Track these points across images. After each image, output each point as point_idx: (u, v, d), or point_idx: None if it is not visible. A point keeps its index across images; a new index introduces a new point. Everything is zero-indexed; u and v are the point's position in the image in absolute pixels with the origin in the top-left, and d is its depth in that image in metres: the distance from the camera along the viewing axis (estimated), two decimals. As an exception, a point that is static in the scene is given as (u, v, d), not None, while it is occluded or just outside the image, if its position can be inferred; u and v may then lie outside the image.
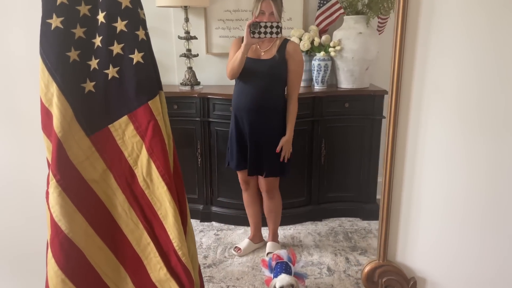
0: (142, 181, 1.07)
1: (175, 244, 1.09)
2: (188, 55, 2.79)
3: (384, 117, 2.75)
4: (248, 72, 2.19)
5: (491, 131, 1.10)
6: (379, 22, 2.74)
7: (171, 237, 1.09)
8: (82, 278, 1.05)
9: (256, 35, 1.99)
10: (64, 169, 1.00)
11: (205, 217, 2.90)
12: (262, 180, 2.38)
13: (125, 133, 1.05)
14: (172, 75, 2.96)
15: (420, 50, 1.05)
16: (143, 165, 1.06)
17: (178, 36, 2.77)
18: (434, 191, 1.17)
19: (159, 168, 1.05)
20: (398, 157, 1.15)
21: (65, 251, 1.01)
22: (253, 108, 2.21)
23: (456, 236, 1.19)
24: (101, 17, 0.98)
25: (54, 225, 1.00)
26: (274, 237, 2.53)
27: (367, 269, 1.19)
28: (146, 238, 1.09)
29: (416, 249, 1.20)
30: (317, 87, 2.78)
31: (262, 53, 2.23)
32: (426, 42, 1.05)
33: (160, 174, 1.06)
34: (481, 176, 1.15)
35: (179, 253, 1.09)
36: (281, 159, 2.26)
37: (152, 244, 1.09)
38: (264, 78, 2.18)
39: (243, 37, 2.06)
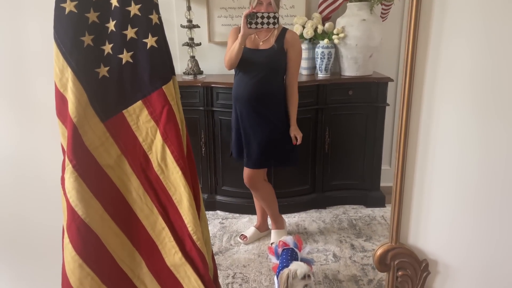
0: (156, 166, 1.07)
1: (189, 229, 1.09)
2: (191, 44, 2.78)
3: (388, 105, 2.77)
4: (247, 62, 2.18)
5: (506, 114, 1.10)
6: (382, 8, 2.74)
7: (185, 221, 1.09)
8: (98, 263, 1.06)
9: (253, 26, 1.97)
10: (80, 155, 1.00)
11: (210, 206, 2.91)
12: (244, 170, 2.38)
13: (140, 118, 1.05)
14: (174, 64, 2.93)
15: (434, 29, 1.05)
16: (158, 150, 1.06)
17: (181, 25, 2.75)
18: (447, 174, 1.17)
19: (173, 153, 1.06)
20: (411, 140, 1.15)
21: (82, 236, 1.02)
22: (252, 98, 2.21)
23: (468, 218, 1.20)
24: (114, 1, 0.98)
25: (70, 210, 1.01)
26: (276, 224, 2.53)
27: (379, 252, 1.20)
28: (161, 223, 1.10)
29: (428, 231, 1.21)
30: (321, 75, 2.78)
31: (261, 43, 2.22)
32: (441, 22, 1.04)
33: (174, 159, 1.06)
34: (494, 159, 1.15)
35: (194, 237, 1.10)
36: (299, 143, 2.29)
37: (167, 229, 1.10)
38: (262, 68, 2.18)
39: (240, 26, 2.05)
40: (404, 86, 1.11)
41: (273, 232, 2.54)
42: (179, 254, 1.11)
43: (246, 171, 2.35)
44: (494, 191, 1.18)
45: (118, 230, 1.09)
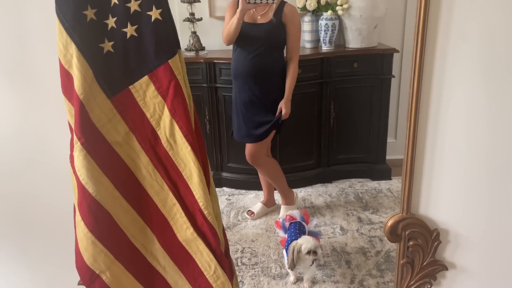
0: (165, 142, 1.06)
1: (200, 204, 1.09)
2: (192, 19, 2.73)
3: (394, 76, 2.73)
4: (245, 37, 2.14)
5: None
6: (387, -23, 2.66)
7: (196, 197, 1.09)
8: (111, 240, 1.07)
9: (252, 1, 1.93)
10: (88, 132, 0.99)
11: (216, 183, 2.92)
12: (246, 149, 2.37)
13: (146, 94, 1.03)
14: (176, 40, 2.90)
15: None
16: (166, 126, 1.04)
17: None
18: (458, 143, 1.16)
19: (182, 129, 1.04)
20: (422, 110, 1.13)
21: (94, 213, 1.02)
22: (252, 74, 2.17)
23: (480, 187, 1.19)
24: (115, -28, 0.95)
25: (81, 188, 1.00)
26: (286, 199, 2.54)
27: (390, 222, 1.20)
28: (172, 199, 1.10)
29: (439, 201, 1.20)
30: (325, 48, 2.73)
31: (259, 17, 2.17)
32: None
33: (183, 135, 1.05)
34: (505, 128, 1.14)
35: (205, 212, 1.10)
36: (282, 118, 2.23)
37: (178, 205, 1.10)
38: (261, 42, 2.13)
39: (238, 0, 2.00)
40: (415, 55, 1.08)
41: (282, 207, 2.54)
42: (191, 229, 1.11)
43: (248, 148, 2.34)
44: (506, 159, 1.17)
45: (129, 207, 1.09)
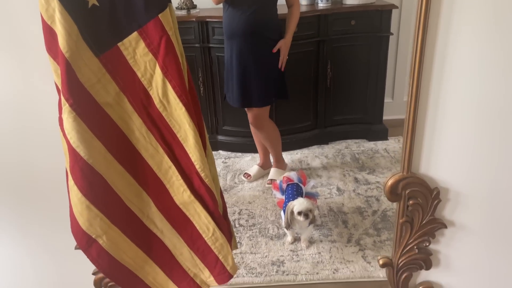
0: (158, 103, 1.01)
1: (197, 166, 1.06)
2: (182, -25, 2.60)
3: (392, 34, 2.65)
4: None
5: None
6: None
7: (192, 159, 1.06)
8: (106, 204, 1.04)
9: None
10: (76, 93, 0.94)
11: (212, 146, 2.81)
12: (249, 111, 2.32)
13: (136, 51, 0.97)
14: (166, -1, 2.77)
15: None
16: (158, 86, 0.99)
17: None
18: (461, 102, 1.12)
19: (175, 89, 0.99)
20: (425, 66, 1.08)
21: (87, 177, 0.98)
22: (248, 33, 2.08)
23: (481, 145, 1.17)
24: None
25: (72, 152, 0.97)
26: (278, 163, 2.52)
27: (390, 182, 1.19)
28: (167, 161, 1.06)
29: (439, 160, 1.18)
30: (321, 5, 2.63)
31: None
32: None
33: (177, 95, 1.00)
34: (509, 87, 1.10)
35: (202, 175, 1.07)
36: (279, 65, 2.17)
37: (173, 168, 1.07)
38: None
39: None
40: (419, 10, 1.03)
41: (273, 169, 2.53)
42: (188, 192, 1.09)
43: (252, 112, 2.28)
44: (509, 118, 1.14)
45: (123, 170, 1.06)
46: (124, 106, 1.02)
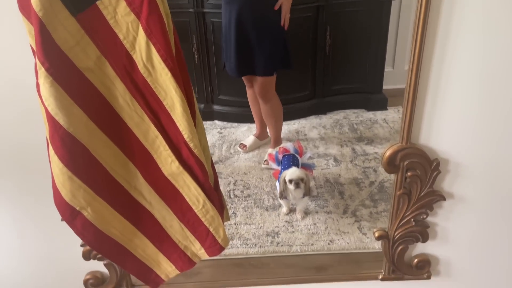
0: (142, 68, 0.94)
1: (185, 136, 1.00)
2: None
3: (395, -1, 2.54)
4: None
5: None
6: None
7: (180, 128, 1.00)
8: (89, 175, 0.99)
9: None
10: (53, 56, 0.87)
11: (207, 116, 2.82)
12: (254, 80, 2.23)
13: (117, 11, 0.89)
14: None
15: None
16: (142, 49, 0.92)
17: None
18: (465, 71, 1.06)
19: (160, 52, 0.92)
20: (429, 30, 1.01)
21: (68, 147, 0.93)
22: None
23: (486, 116, 1.12)
24: None
25: (51, 120, 0.91)
26: (276, 143, 2.46)
27: (388, 153, 1.14)
28: (154, 131, 1.01)
29: (441, 130, 1.13)
30: (321, -33, 2.51)
31: None
32: None
33: (162, 59, 0.93)
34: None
35: (191, 145, 1.02)
36: (282, 23, 2.08)
37: (160, 137, 1.01)
38: None
39: None
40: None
41: (270, 150, 2.46)
42: (176, 163, 1.03)
43: (256, 82, 2.21)
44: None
45: (107, 139, 1.00)
46: (106, 71, 0.95)
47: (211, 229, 1.14)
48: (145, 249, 1.17)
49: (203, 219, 1.12)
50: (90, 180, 0.99)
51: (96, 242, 1.07)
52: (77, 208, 1.00)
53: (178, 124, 1.00)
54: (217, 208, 1.14)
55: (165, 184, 1.07)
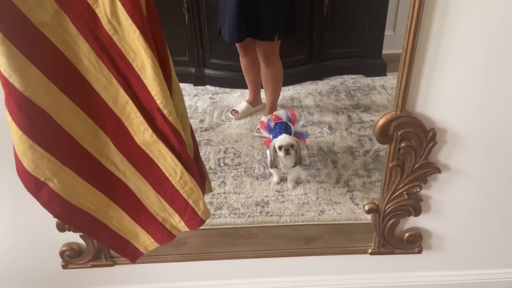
0: (107, 24, 0.84)
1: (158, 102, 0.91)
2: None
3: (398, -45, 2.37)
4: None
5: None
6: None
7: (152, 93, 0.91)
8: (53, 143, 0.91)
9: None
10: (2, 10, 0.77)
11: (199, 81, 2.71)
12: (259, 44, 2.12)
13: (74, -45, 0.78)
14: None
15: None
16: (105, 3, 0.82)
17: None
18: (470, 30, 0.95)
19: (126, 6, 0.82)
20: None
21: (25, 112, 0.84)
22: None
23: (488, 83, 1.02)
24: None
25: (5, 82, 0.81)
26: (271, 110, 2.36)
27: (381, 122, 1.05)
28: (123, 95, 0.92)
29: (439, 98, 1.04)
30: None
31: None
32: None
33: (128, 14, 0.83)
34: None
35: (165, 112, 0.93)
36: None
37: (131, 103, 0.92)
38: None
39: None
40: None
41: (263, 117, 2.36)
42: (149, 131, 0.95)
43: (262, 45, 2.09)
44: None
45: (72, 104, 0.92)
46: (67, 28, 0.85)
47: (190, 202, 1.07)
48: (121, 221, 1.11)
49: (181, 191, 1.05)
50: (54, 149, 0.92)
51: (65, 215, 1.00)
52: (42, 179, 0.92)
53: (150, 89, 0.91)
54: (197, 179, 1.07)
55: (139, 153, 0.99)
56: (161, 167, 1.01)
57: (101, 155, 1.00)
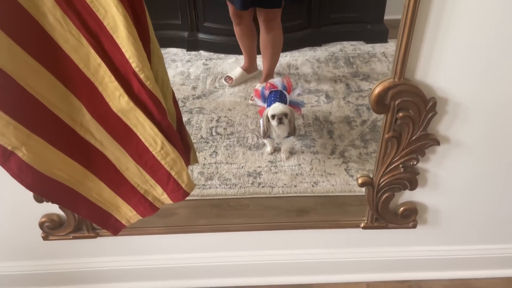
0: (72, -24, 0.75)
1: (133, 65, 0.83)
2: None
3: None
4: None
5: None
6: None
7: (127, 55, 0.82)
8: (20, 110, 0.84)
9: None
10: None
11: (192, 46, 2.61)
12: (259, 11, 2.00)
13: None
14: None
15: None
16: (68, -51, 0.73)
17: None
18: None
19: (92, -47, 0.73)
20: None
21: (-16, 75, 0.77)
22: None
23: (496, 50, 0.94)
24: None
25: (-41, 41, 0.74)
26: (268, 78, 2.26)
27: (378, 90, 0.97)
28: (95, 57, 0.83)
29: (441, 65, 0.95)
30: None
31: None
32: None
33: (95, -36, 0.74)
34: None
35: (141, 76, 0.85)
36: None
37: (104, 66, 0.84)
38: None
39: None
40: None
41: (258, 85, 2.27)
42: (125, 98, 0.88)
43: (265, 11, 1.97)
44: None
45: (39, 67, 0.83)
46: (27, -20, 0.76)
47: (172, 173, 1.01)
48: (100, 192, 1.05)
49: (162, 162, 0.98)
50: (21, 116, 0.84)
51: (38, 185, 0.94)
52: (9, 148, 0.86)
53: (124, 50, 0.82)
54: (180, 150, 1.00)
55: (116, 121, 0.92)
56: (140, 137, 0.94)
57: (75, 122, 0.93)
